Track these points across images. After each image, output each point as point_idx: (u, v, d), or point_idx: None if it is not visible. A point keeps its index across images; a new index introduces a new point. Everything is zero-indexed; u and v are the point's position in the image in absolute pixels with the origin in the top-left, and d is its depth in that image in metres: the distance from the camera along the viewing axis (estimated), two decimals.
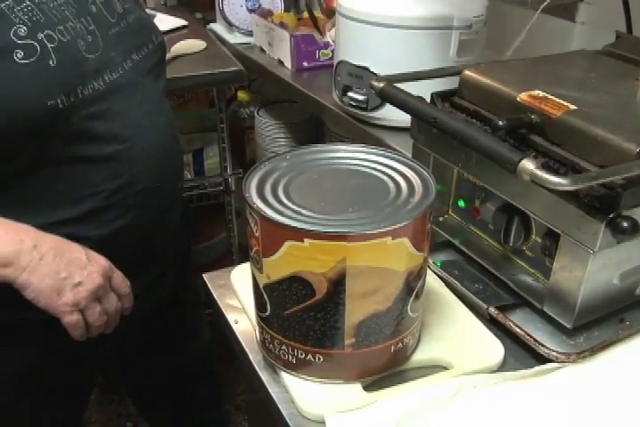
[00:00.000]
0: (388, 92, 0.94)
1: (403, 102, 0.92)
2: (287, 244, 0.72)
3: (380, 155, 0.85)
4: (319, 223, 0.72)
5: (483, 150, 0.79)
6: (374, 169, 0.83)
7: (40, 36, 0.99)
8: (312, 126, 2.37)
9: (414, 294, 0.80)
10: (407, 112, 0.93)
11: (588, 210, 0.79)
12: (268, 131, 2.32)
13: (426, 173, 0.81)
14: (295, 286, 0.76)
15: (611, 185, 0.76)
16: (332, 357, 0.81)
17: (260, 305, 0.83)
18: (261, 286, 0.80)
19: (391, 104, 0.94)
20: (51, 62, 0.99)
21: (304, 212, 0.74)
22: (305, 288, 0.74)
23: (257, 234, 0.76)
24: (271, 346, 0.84)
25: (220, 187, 2.21)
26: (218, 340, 2.56)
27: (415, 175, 0.81)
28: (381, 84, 0.95)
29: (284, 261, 0.75)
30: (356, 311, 0.77)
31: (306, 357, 0.81)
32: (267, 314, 0.82)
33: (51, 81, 1.00)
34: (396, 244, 0.73)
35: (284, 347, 0.82)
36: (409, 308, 0.81)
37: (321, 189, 0.80)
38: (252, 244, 0.78)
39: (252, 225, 0.76)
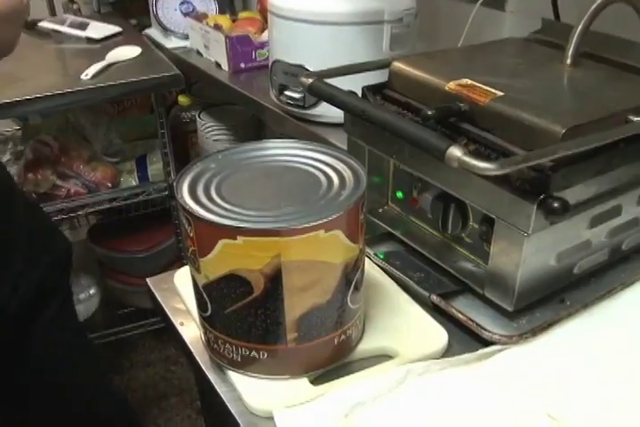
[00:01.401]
0: (317, 88, 0.94)
1: (331, 97, 0.93)
2: (221, 242, 0.72)
3: (312, 150, 0.86)
4: (251, 220, 0.72)
5: (412, 140, 0.80)
6: (306, 164, 0.83)
7: None
8: (254, 127, 2.38)
9: (353, 285, 0.81)
10: (337, 106, 0.93)
11: (520, 193, 0.80)
12: (211, 134, 2.32)
13: (356, 165, 0.82)
14: (233, 283, 0.76)
15: (540, 168, 0.78)
16: (275, 352, 0.81)
17: (201, 305, 0.83)
18: (200, 286, 0.80)
19: (321, 99, 0.95)
20: None
21: (237, 210, 0.74)
22: (243, 286, 0.74)
23: (191, 234, 0.76)
24: (215, 345, 0.84)
25: (165, 192, 2.21)
26: (175, 346, 2.57)
27: (346, 168, 0.82)
28: (310, 80, 0.95)
29: (220, 260, 0.75)
30: (295, 306, 0.77)
31: (250, 354, 0.81)
32: (208, 314, 0.82)
33: None
34: (330, 236, 0.74)
35: (227, 345, 0.82)
36: (349, 300, 0.81)
37: (254, 187, 0.80)
38: (187, 244, 0.78)
39: (187, 226, 0.76)
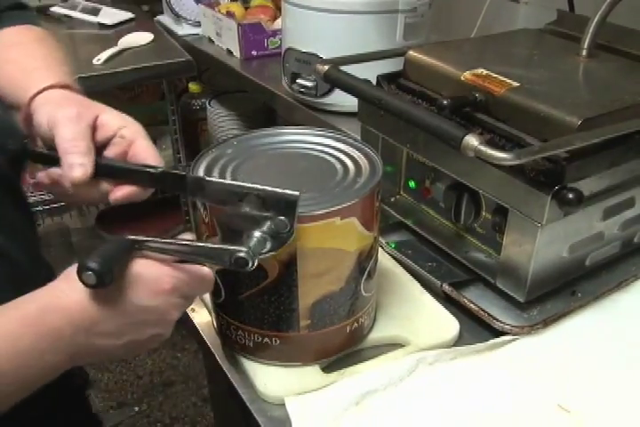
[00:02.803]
0: (333, 76, 0.94)
1: (347, 85, 0.93)
2: None
3: (327, 137, 0.86)
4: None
5: (428, 129, 0.80)
6: (321, 151, 0.83)
7: None
8: (264, 115, 2.37)
9: (366, 273, 0.81)
10: (353, 94, 0.93)
11: (535, 184, 0.80)
12: (221, 121, 2.31)
13: (372, 153, 0.82)
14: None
15: (555, 159, 0.78)
16: (288, 339, 0.81)
17: (214, 291, 0.83)
18: (214, 271, 0.80)
19: (336, 87, 0.95)
20: None
21: None
22: (257, 271, 0.74)
23: (207, 220, 0.76)
24: (228, 332, 0.85)
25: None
26: (182, 333, 2.58)
27: (362, 156, 0.82)
28: (326, 68, 0.95)
29: None
30: (309, 293, 0.78)
31: (262, 340, 0.82)
32: (222, 300, 0.82)
33: None
34: (345, 224, 0.74)
35: (240, 332, 0.82)
36: (362, 287, 0.81)
37: (269, 173, 0.80)
38: (202, 230, 0.78)
39: (202, 211, 0.76)
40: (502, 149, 0.77)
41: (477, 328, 0.91)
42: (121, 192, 0.77)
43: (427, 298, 0.93)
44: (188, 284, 0.68)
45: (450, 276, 0.97)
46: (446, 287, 0.94)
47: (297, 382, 0.81)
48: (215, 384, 1.23)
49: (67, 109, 0.78)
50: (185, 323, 0.97)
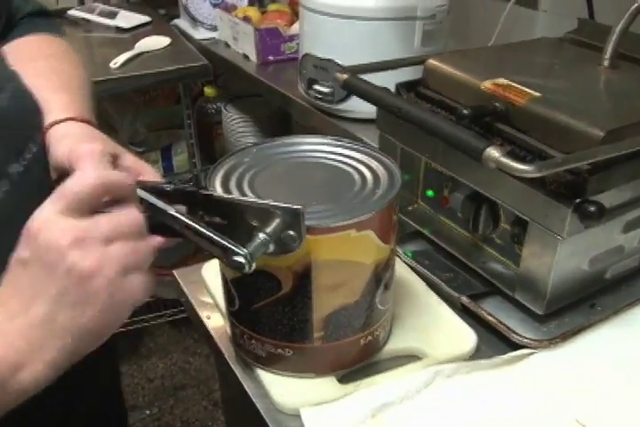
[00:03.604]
0: (352, 84, 0.93)
1: (367, 93, 0.92)
2: None
3: (345, 147, 0.85)
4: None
5: (448, 139, 0.79)
6: (339, 161, 0.82)
7: None
8: (279, 120, 2.37)
9: (382, 286, 0.80)
10: (372, 103, 0.92)
11: (555, 196, 0.79)
12: (236, 126, 2.32)
13: (391, 164, 0.81)
14: (262, 279, 0.75)
15: (577, 171, 0.77)
16: (301, 350, 0.81)
17: (229, 299, 0.82)
18: (229, 280, 0.79)
19: (356, 95, 0.94)
20: None
21: None
22: (271, 282, 0.74)
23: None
24: (242, 341, 0.84)
25: (190, 183, 2.21)
26: (194, 337, 2.58)
27: (380, 166, 0.81)
28: (345, 76, 0.94)
29: None
30: (323, 305, 0.77)
31: (276, 351, 0.81)
32: (236, 308, 0.82)
33: None
34: (361, 236, 0.73)
35: (253, 341, 0.82)
36: (378, 300, 0.80)
37: (286, 183, 0.79)
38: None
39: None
40: (523, 160, 0.76)
41: (494, 340, 0.90)
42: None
43: (444, 309, 0.92)
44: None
45: (467, 287, 0.96)
46: (464, 299, 0.93)
47: (313, 392, 0.80)
48: (227, 390, 1.22)
49: (88, 145, 0.75)
50: (199, 328, 0.97)
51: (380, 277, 0.79)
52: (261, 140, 0.87)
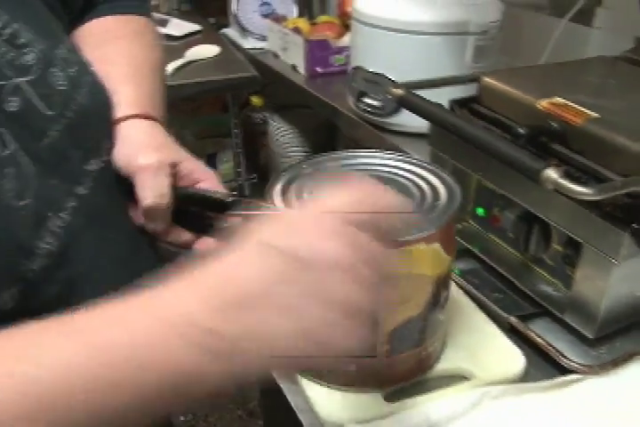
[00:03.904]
0: (407, 99, 0.93)
1: (422, 109, 0.92)
2: None
3: (401, 160, 0.85)
4: None
5: (505, 159, 0.79)
6: (396, 174, 0.82)
7: None
8: (326, 132, 2.37)
9: (442, 298, 0.80)
10: (426, 119, 0.92)
11: (611, 219, 0.78)
12: (282, 136, 2.32)
13: (447, 176, 0.81)
14: None
15: (635, 194, 0.75)
16: (365, 365, 0.80)
17: None
18: None
19: (410, 111, 0.94)
20: None
21: None
22: None
23: None
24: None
25: (234, 192, 2.21)
26: None
27: (436, 179, 0.81)
28: (400, 91, 0.94)
29: None
30: (391, 319, 0.77)
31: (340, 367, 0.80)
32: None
33: None
34: (429, 249, 0.73)
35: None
36: (437, 313, 0.80)
37: None
38: None
39: None
40: (578, 181, 0.75)
41: (542, 363, 0.89)
42: (204, 245, 0.78)
43: (492, 329, 0.91)
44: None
45: (515, 307, 0.95)
46: (513, 319, 0.92)
47: (358, 409, 0.80)
48: (268, 402, 1.22)
49: (145, 157, 0.77)
50: None
51: (440, 289, 0.79)
52: (320, 154, 0.87)
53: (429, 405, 0.80)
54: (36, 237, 0.66)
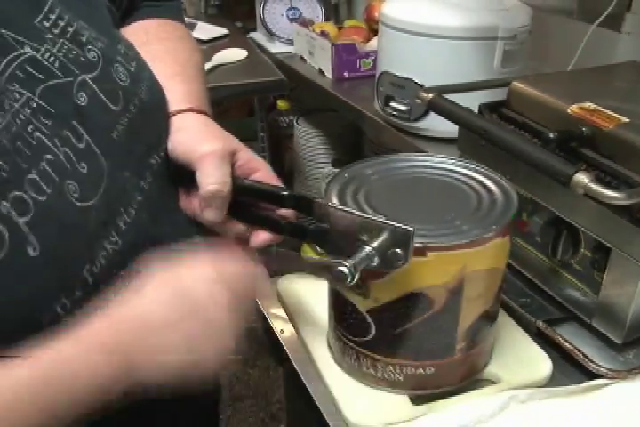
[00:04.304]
0: (438, 104, 0.94)
1: (452, 114, 0.92)
2: (425, 258, 0.72)
3: (454, 164, 0.86)
4: (435, 235, 0.72)
5: (535, 163, 0.79)
6: (448, 176, 0.84)
7: (3, 205, 0.57)
8: (351, 136, 2.37)
9: (502, 289, 0.83)
10: (457, 123, 0.92)
11: None
12: (307, 140, 2.33)
13: (499, 178, 0.82)
14: (411, 302, 0.75)
15: None
16: (443, 365, 0.81)
17: (358, 330, 0.80)
18: (364, 311, 0.78)
19: (440, 115, 0.94)
20: (31, 250, 0.58)
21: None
22: (422, 303, 0.74)
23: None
24: (371, 370, 0.82)
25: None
26: (253, 348, 2.59)
27: (486, 179, 0.82)
28: (430, 96, 0.94)
29: (399, 280, 0.73)
30: (468, 315, 0.78)
31: (416, 371, 0.80)
32: (369, 338, 0.80)
33: (36, 285, 0.59)
34: (503, 242, 0.76)
35: (390, 367, 0.81)
36: (498, 305, 0.83)
37: (406, 201, 0.80)
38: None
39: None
40: (609, 186, 0.76)
41: (568, 367, 0.89)
42: (260, 238, 0.80)
43: (519, 334, 0.91)
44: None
45: (542, 312, 0.95)
46: (540, 324, 0.92)
47: (386, 412, 0.80)
48: (294, 404, 1.22)
49: (209, 144, 0.78)
50: (265, 340, 0.97)
51: (502, 280, 0.81)
52: (379, 156, 0.88)
53: (457, 408, 0.80)
54: (104, 235, 0.67)
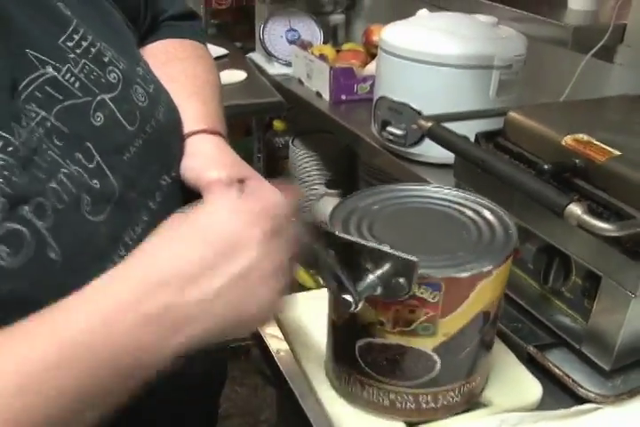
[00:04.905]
0: (436, 132, 0.96)
1: (450, 143, 0.94)
2: (479, 285, 0.75)
3: (453, 194, 0.88)
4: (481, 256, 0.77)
5: (530, 193, 0.81)
6: (447, 207, 0.86)
7: (23, 209, 0.59)
8: (346, 159, 2.39)
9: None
10: (455, 153, 0.95)
11: (631, 254, 0.80)
12: (302, 161, 2.35)
13: (497, 209, 0.85)
14: (477, 323, 0.79)
15: None
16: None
17: (418, 371, 0.81)
18: (430, 349, 0.78)
19: (439, 144, 0.97)
20: (52, 254, 0.61)
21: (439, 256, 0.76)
22: (485, 320, 0.79)
23: (436, 299, 0.74)
24: (381, 399, 0.83)
25: None
26: (241, 367, 2.59)
27: (483, 209, 0.85)
28: (429, 124, 0.97)
29: (469, 308, 0.76)
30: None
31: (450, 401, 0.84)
32: (434, 375, 0.81)
33: (57, 288, 0.59)
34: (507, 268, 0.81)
35: (409, 397, 0.82)
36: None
37: (405, 229, 0.82)
38: (418, 314, 0.76)
39: (424, 294, 0.74)
40: (600, 216, 0.78)
41: (558, 392, 0.91)
42: None
43: (510, 358, 0.93)
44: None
45: (533, 337, 0.97)
46: (531, 349, 0.94)
47: None
48: (287, 424, 1.23)
49: (217, 172, 0.79)
50: (257, 359, 0.98)
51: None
52: (379, 186, 0.90)
53: None
54: (112, 250, 0.69)
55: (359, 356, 0.81)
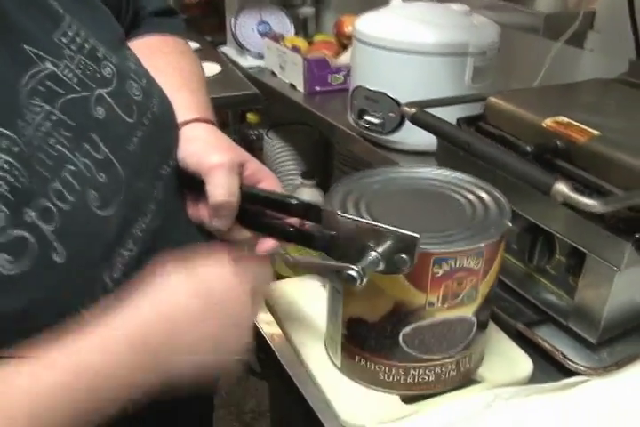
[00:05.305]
0: (421, 118, 0.98)
1: (435, 128, 0.97)
2: (501, 247, 0.82)
3: (451, 175, 0.91)
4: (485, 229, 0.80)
5: (517, 174, 0.84)
6: (444, 188, 0.88)
7: (28, 214, 0.60)
8: (321, 149, 2.41)
9: None
10: (440, 137, 0.97)
11: (615, 231, 0.83)
12: (277, 153, 2.36)
13: (491, 188, 0.87)
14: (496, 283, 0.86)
15: (636, 207, 0.81)
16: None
17: (462, 336, 0.85)
18: (471, 314, 0.83)
19: (424, 129, 0.99)
20: (57, 257, 0.61)
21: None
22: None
23: (479, 265, 0.79)
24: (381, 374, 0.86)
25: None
26: None
27: (478, 189, 0.88)
28: (413, 110, 0.99)
29: (494, 270, 0.83)
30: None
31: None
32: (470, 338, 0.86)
33: (61, 290, 0.63)
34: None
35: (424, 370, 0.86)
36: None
37: (401, 208, 0.85)
38: (464, 285, 0.79)
39: (471, 264, 0.78)
40: (585, 195, 0.81)
41: (547, 367, 0.94)
42: (267, 245, 0.83)
43: (500, 336, 0.96)
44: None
45: (520, 315, 1.00)
46: (520, 326, 0.96)
47: (377, 411, 0.84)
48: (283, 412, 1.24)
49: (219, 156, 0.82)
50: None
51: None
52: (377, 168, 0.92)
53: (445, 406, 0.85)
54: (120, 243, 0.71)
55: (403, 342, 0.82)
